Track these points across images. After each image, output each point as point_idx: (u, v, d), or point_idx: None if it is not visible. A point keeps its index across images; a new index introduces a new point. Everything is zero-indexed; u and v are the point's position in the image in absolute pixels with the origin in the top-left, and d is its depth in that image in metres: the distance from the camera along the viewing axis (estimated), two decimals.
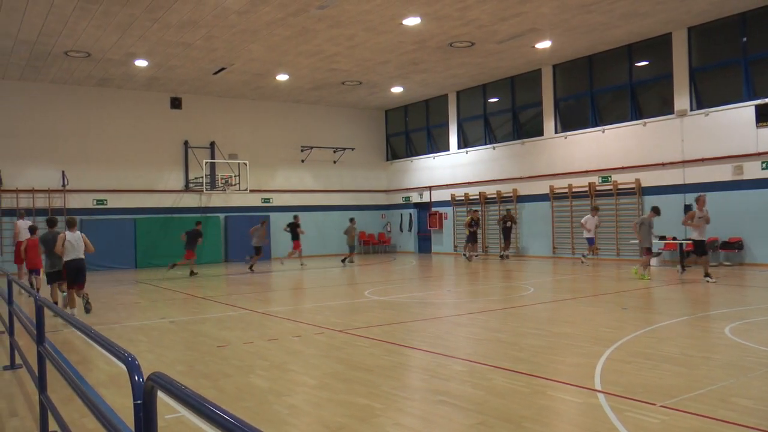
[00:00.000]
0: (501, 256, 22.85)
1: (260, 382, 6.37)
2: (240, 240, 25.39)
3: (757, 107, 16.78)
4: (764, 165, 16.81)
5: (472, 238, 22.96)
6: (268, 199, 26.99)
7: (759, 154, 16.86)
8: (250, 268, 21.04)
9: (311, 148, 27.80)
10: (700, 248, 14.34)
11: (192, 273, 19.65)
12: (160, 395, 2.16)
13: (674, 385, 5.76)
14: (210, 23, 16.53)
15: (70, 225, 11.44)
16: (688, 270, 15.74)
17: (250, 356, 7.62)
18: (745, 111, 17.11)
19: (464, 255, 23.59)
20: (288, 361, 7.31)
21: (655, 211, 15.55)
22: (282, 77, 22.81)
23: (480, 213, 24.12)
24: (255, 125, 26.77)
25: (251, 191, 25.63)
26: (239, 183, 24.95)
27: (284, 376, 6.61)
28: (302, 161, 27.91)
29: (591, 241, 19.45)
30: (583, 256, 19.85)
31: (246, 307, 12.05)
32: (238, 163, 25.14)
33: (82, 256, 11.32)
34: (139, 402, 2.21)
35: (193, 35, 17.47)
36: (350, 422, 5.00)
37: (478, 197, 25.48)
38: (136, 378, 2.29)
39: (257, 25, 16.82)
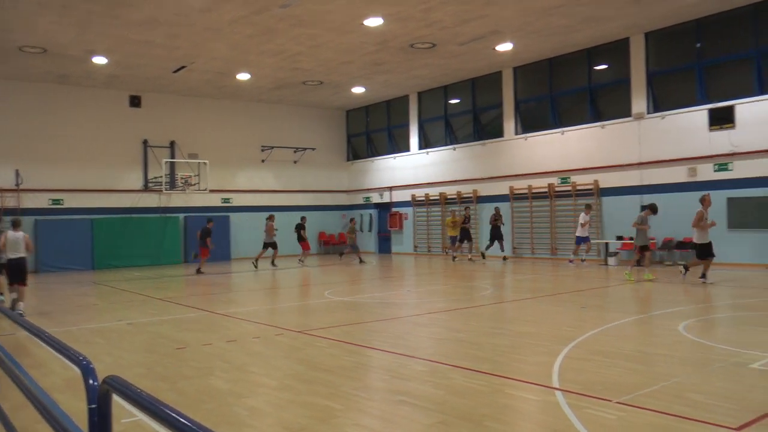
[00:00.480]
0: (504, 258, 22.20)
1: (220, 383, 6.29)
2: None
3: (711, 111, 17.30)
4: (716, 167, 17.28)
5: (465, 236, 22.38)
6: (228, 199, 26.71)
7: (712, 156, 17.33)
8: (272, 263, 21.81)
9: (272, 147, 27.60)
10: (707, 250, 13.47)
11: (198, 271, 20.10)
12: (117, 399, 2.11)
13: (631, 382, 5.88)
14: (172, 21, 16.28)
15: (15, 225, 12.09)
16: (653, 270, 15.95)
17: (210, 358, 7.53)
18: (699, 115, 17.58)
19: (460, 255, 23.00)
20: (248, 363, 7.25)
21: (652, 209, 14.65)
22: (244, 76, 22.59)
23: (468, 211, 23.21)
24: (216, 124, 26.44)
25: (211, 191, 25.31)
26: (199, 183, 24.63)
27: (244, 378, 6.55)
28: (263, 161, 27.68)
29: (583, 240, 19.06)
30: (580, 257, 19.54)
31: (205, 309, 11.90)
32: (198, 163, 24.80)
33: (23, 255, 11.83)
34: (93, 406, 2.16)
35: (154, 33, 17.18)
36: (311, 423, 4.98)
37: (438, 198, 25.62)
38: (91, 381, 2.24)
39: (220, 24, 16.62)
